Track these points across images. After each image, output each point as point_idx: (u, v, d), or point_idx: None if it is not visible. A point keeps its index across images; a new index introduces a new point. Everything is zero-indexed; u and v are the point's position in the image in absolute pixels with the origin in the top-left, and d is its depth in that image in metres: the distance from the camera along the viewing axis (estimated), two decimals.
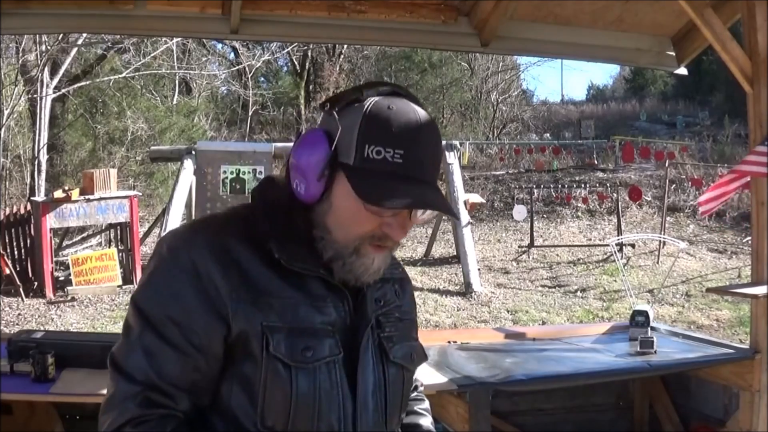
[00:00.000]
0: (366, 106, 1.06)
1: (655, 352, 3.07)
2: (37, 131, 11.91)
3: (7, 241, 8.74)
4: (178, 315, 1.05)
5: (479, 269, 9.54)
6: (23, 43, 12.07)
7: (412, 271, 9.88)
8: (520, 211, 11.15)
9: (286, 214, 1.11)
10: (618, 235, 10.45)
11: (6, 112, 11.87)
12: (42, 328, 6.83)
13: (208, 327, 1.05)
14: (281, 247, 1.08)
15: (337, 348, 1.09)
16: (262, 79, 23.75)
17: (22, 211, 9.08)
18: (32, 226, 8.89)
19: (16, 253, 8.86)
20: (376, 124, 1.05)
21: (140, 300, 1.09)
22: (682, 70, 3.91)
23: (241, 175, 10.29)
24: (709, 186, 3.57)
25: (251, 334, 1.05)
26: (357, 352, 1.11)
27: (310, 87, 22.77)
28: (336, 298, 1.11)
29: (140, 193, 11.66)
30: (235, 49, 19.69)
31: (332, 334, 1.09)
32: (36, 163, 11.98)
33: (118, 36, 11.90)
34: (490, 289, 9.04)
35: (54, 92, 12.38)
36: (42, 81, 11.74)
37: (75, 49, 12.78)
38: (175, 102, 17.11)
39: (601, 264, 10.34)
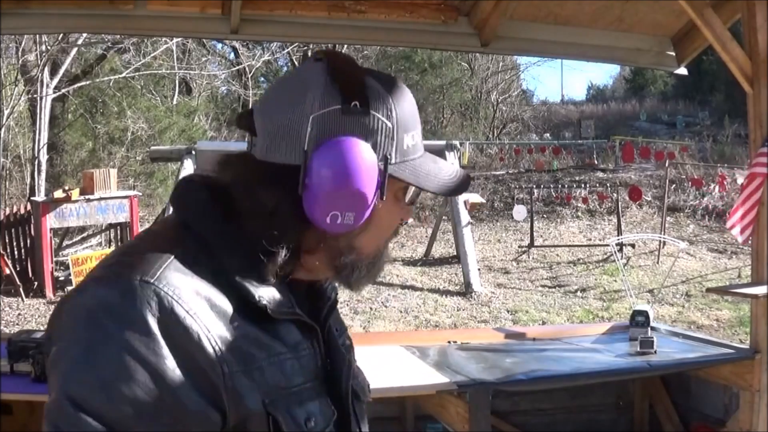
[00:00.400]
0: (388, 94, 0.91)
1: (655, 352, 3.07)
2: (37, 131, 11.91)
3: (7, 241, 8.74)
4: (151, 413, 0.75)
5: (479, 269, 9.54)
6: (23, 43, 12.07)
7: (412, 271, 9.89)
8: (520, 211, 11.15)
9: (248, 240, 0.86)
10: (618, 235, 10.45)
11: (6, 112, 11.87)
12: (42, 328, 6.84)
13: (197, 424, 0.78)
14: (258, 288, 0.86)
15: (329, 407, 0.91)
16: (262, 79, 23.73)
17: (22, 211, 9.09)
18: (32, 226, 8.90)
19: (16, 253, 8.86)
20: (406, 110, 0.91)
21: (81, 397, 0.74)
22: (682, 70, 3.91)
23: None
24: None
25: (253, 419, 0.82)
26: (340, 402, 0.94)
27: None
28: (308, 339, 0.91)
29: (140, 193, 11.66)
30: (235, 49, 19.70)
31: (319, 389, 0.91)
32: (36, 163, 11.98)
33: (118, 36, 11.90)
34: (490, 289, 9.04)
35: (54, 92, 12.38)
36: (42, 81, 11.74)
37: (75, 49, 12.79)
38: (175, 102, 17.11)
39: (601, 264, 10.34)
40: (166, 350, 0.76)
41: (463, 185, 0.97)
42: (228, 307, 0.82)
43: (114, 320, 0.76)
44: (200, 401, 0.77)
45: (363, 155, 0.85)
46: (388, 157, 0.88)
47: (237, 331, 0.82)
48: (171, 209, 0.94)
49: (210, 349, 0.78)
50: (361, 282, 0.96)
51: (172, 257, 0.83)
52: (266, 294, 0.86)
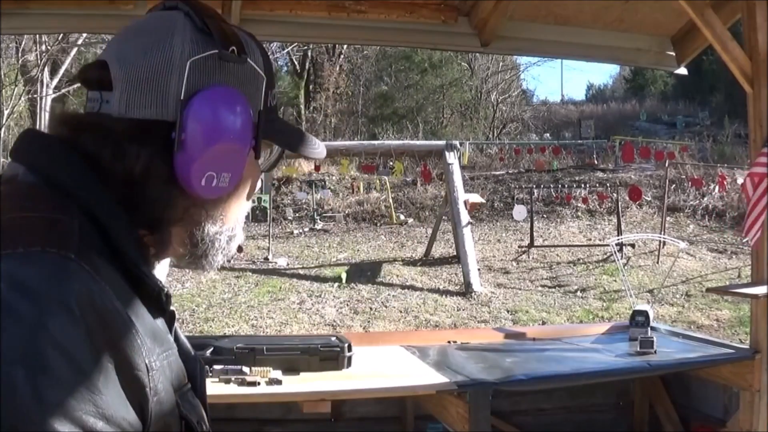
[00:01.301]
0: (256, 45, 0.82)
1: (655, 352, 3.07)
2: None
3: None
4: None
5: (479, 269, 9.55)
6: (23, 43, 12.09)
7: (412, 271, 9.89)
8: (520, 211, 11.15)
9: (127, 214, 0.74)
10: (618, 235, 10.45)
11: (6, 112, 11.87)
12: None
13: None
14: (150, 272, 0.76)
15: (201, 408, 0.81)
16: None
17: None
18: None
19: None
20: (269, 65, 0.83)
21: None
22: (682, 70, 3.91)
23: None
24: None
25: (169, 422, 0.72)
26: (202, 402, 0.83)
27: (310, 87, 22.79)
28: (166, 328, 0.78)
29: None
30: None
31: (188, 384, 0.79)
32: None
33: None
34: (490, 289, 9.04)
35: (54, 92, 12.38)
36: (42, 81, 11.75)
37: (75, 49, 12.79)
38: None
39: (601, 264, 10.34)
40: (98, 345, 0.63)
41: (322, 148, 0.91)
42: (130, 293, 0.71)
43: (37, 306, 0.60)
44: (135, 417, 0.65)
45: (243, 107, 0.77)
46: (261, 112, 0.80)
47: (146, 321, 0.71)
48: (18, 164, 0.74)
49: (139, 342, 0.67)
50: (215, 260, 0.83)
51: (77, 227, 0.68)
52: (158, 280, 0.76)
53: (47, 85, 11.93)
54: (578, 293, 8.93)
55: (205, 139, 0.74)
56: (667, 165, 11.78)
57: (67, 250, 0.65)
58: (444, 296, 8.75)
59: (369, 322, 7.66)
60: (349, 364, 2.76)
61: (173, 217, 0.77)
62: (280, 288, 9.04)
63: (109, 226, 0.72)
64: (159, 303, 0.76)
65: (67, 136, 0.75)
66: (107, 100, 0.74)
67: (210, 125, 0.74)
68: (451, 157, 10.22)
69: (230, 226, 0.82)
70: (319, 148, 0.90)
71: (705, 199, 12.88)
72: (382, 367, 2.87)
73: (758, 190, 2.90)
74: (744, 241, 3.06)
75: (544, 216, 12.97)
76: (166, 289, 0.77)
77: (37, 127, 11.87)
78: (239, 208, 0.83)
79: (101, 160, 0.73)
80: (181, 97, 0.73)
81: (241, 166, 0.78)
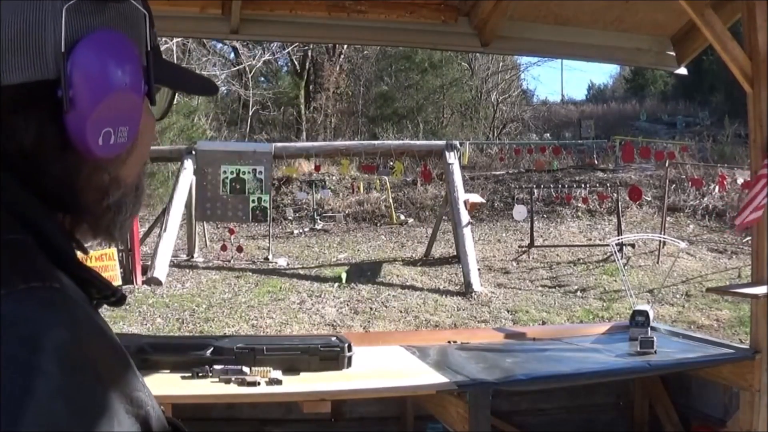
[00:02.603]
0: None
1: (655, 352, 3.07)
2: None
3: None
4: None
5: (479, 269, 9.54)
6: None
7: (412, 271, 9.89)
8: (520, 211, 11.15)
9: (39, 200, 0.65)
10: (618, 235, 10.45)
11: None
12: None
13: None
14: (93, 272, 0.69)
15: None
16: (262, 79, 23.77)
17: None
18: None
19: None
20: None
21: None
22: (682, 70, 3.91)
23: (241, 175, 10.30)
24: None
25: None
26: None
27: (310, 87, 22.80)
28: None
29: None
30: (235, 49, 19.72)
31: None
32: None
33: None
34: (490, 289, 9.04)
35: None
36: None
37: None
38: (175, 102, 17.11)
39: (601, 264, 10.34)
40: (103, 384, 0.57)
41: (214, 84, 0.86)
42: (90, 306, 0.64)
43: (34, 352, 0.53)
44: None
45: (131, 51, 0.68)
46: (149, 53, 0.72)
47: (117, 343, 0.63)
48: None
49: (134, 369, 0.62)
50: (125, 227, 0.75)
51: (27, 240, 0.61)
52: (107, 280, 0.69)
53: None
54: (578, 293, 8.93)
55: (96, 91, 0.65)
56: (667, 165, 11.78)
57: (48, 279, 0.58)
58: (444, 296, 8.75)
59: (369, 322, 7.65)
60: (349, 364, 2.77)
61: (80, 188, 0.68)
62: (280, 288, 9.03)
63: (41, 225, 0.63)
64: (97, 306, 0.68)
65: None
66: None
67: (99, 75, 0.65)
68: (451, 157, 10.22)
69: (133, 184, 0.74)
70: (210, 85, 0.84)
71: (705, 199, 12.88)
72: (382, 367, 2.87)
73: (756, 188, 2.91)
74: (736, 226, 3.04)
75: (544, 216, 12.97)
76: (120, 292, 0.70)
77: None
78: (137, 165, 0.75)
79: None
80: (62, 49, 0.63)
81: (138, 116, 0.70)
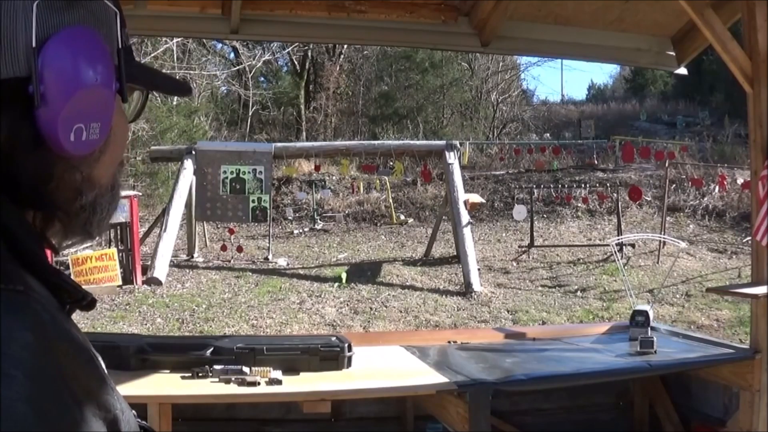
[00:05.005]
0: None
1: (655, 352, 3.07)
2: None
3: None
4: None
5: (479, 269, 9.54)
6: None
7: (412, 271, 9.89)
8: (520, 211, 11.15)
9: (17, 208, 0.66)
10: (618, 235, 10.45)
11: None
12: None
13: None
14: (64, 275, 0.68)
15: None
16: (262, 79, 23.77)
17: None
18: None
19: None
20: None
21: None
22: (682, 70, 3.91)
23: (241, 175, 10.30)
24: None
25: None
26: None
27: (310, 87, 22.80)
28: None
29: (140, 193, 11.66)
30: (235, 49, 19.72)
31: None
32: None
33: None
34: (490, 289, 9.04)
35: None
36: None
37: None
38: (175, 102, 17.12)
39: (601, 264, 10.34)
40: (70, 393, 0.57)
41: (187, 85, 0.86)
42: (60, 310, 0.64)
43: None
44: None
45: (101, 47, 0.69)
46: (119, 51, 0.73)
47: (87, 347, 0.63)
48: None
49: (103, 372, 0.62)
50: (102, 228, 0.75)
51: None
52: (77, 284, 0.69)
53: None
54: (578, 293, 8.93)
55: (67, 86, 0.65)
56: (667, 165, 11.78)
57: (13, 282, 0.58)
58: (444, 296, 8.75)
59: (369, 322, 7.65)
60: (349, 364, 2.76)
61: (53, 186, 0.68)
62: (280, 288, 9.03)
63: (10, 225, 0.62)
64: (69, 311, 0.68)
65: None
66: None
67: (69, 70, 0.65)
68: (451, 157, 10.22)
69: (108, 185, 0.74)
70: (184, 85, 0.84)
71: (705, 199, 12.88)
72: (382, 367, 2.87)
73: None
74: (758, 240, 3.02)
75: (544, 216, 12.97)
76: (90, 296, 0.69)
77: None
78: (111, 165, 0.74)
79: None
80: (33, 45, 0.63)
81: (110, 112, 0.70)
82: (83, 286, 0.70)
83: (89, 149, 0.69)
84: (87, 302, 0.69)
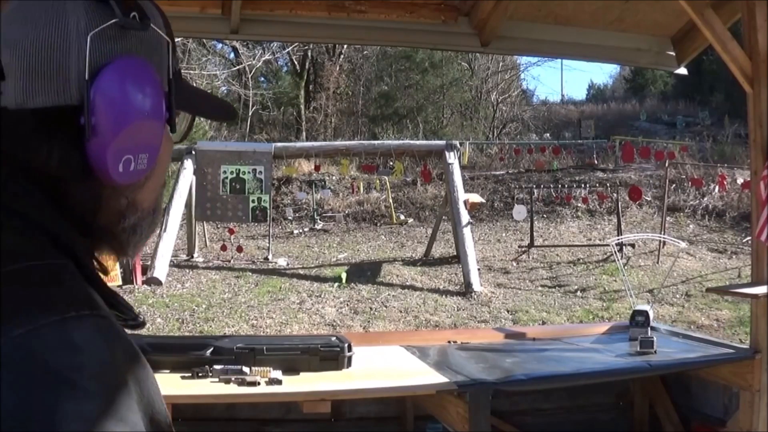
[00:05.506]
0: (153, 5, 0.75)
1: (655, 352, 3.07)
2: None
3: None
4: None
5: (479, 269, 9.54)
6: None
7: (412, 271, 9.89)
8: (520, 211, 11.15)
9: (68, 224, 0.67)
10: (618, 235, 10.45)
11: None
12: None
13: None
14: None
15: None
16: (262, 79, 23.77)
17: None
18: None
19: None
20: (169, 25, 0.76)
21: None
22: (682, 70, 3.91)
23: (241, 175, 10.30)
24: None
25: None
26: None
27: (310, 87, 22.80)
28: None
29: None
30: (235, 49, 19.72)
31: None
32: None
33: None
34: (490, 289, 9.04)
35: None
36: None
37: None
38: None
39: (601, 264, 10.34)
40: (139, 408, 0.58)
41: (233, 109, 0.88)
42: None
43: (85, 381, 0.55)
44: None
45: (153, 78, 0.69)
46: (170, 80, 0.72)
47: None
48: None
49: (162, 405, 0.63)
50: (138, 249, 0.76)
51: (68, 264, 0.62)
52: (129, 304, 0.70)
53: None
54: (578, 293, 8.93)
55: (118, 119, 0.65)
56: (667, 165, 11.78)
57: (98, 308, 0.60)
58: (444, 296, 8.75)
59: (369, 322, 7.65)
60: (349, 364, 2.76)
61: (99, 212, 0.69)
62: (280, 288, 9.03)
63: (76, 249, 0.64)
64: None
65: None
66: (1, 91, 0.64)
67: (121, 103, 0.65)
68: (451, 157, 10.22)
69: (150, 209, 0.75)
70: (230, 110, 0.85)
71: (705, 199, 12.88)
72: (382, 367, 2.87)
73: None
74: (762, 241, 3.01)
75: (544, 216, 12.97)
76: (142, 318, 0.71)
77: None
78: (155, 190, 0.76)
79: (22, 162, 0.64)
80: (86, 77, 0.64)
81: (159, 143, 0.71)
82: None
83: (137, 179, 0.70)
84: (137, 323, 0.71)
